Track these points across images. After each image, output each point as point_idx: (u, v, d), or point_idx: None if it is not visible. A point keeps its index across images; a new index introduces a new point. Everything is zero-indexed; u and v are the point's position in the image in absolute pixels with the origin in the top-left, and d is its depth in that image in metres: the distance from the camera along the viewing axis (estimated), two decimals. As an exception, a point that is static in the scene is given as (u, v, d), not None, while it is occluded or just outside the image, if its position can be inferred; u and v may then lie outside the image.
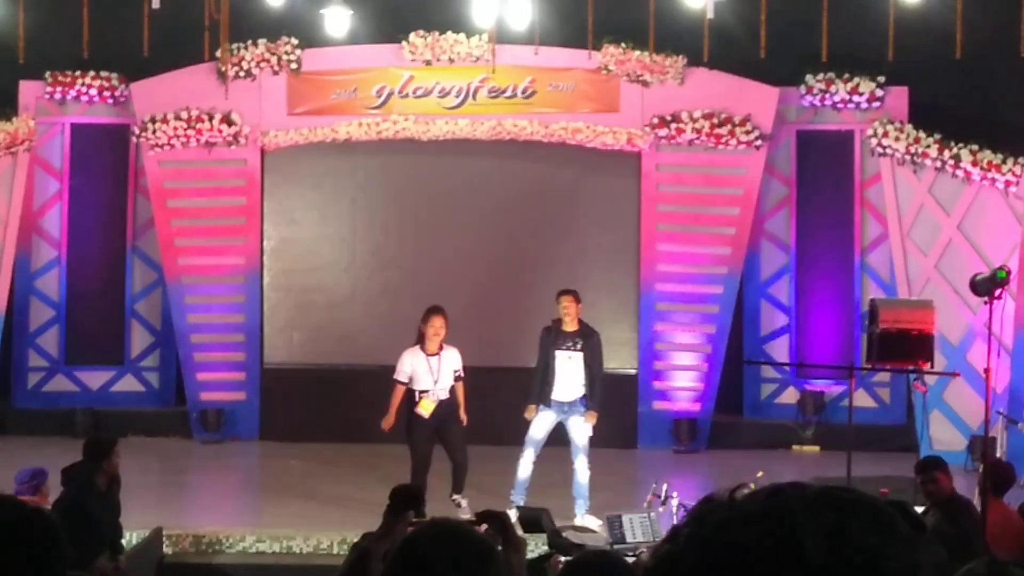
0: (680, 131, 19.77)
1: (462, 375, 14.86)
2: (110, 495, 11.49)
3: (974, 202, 18.92)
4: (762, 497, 1.67)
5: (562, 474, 14.92)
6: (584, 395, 14.69)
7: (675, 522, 13.18)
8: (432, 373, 14.62)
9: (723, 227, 19.92)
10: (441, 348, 14.73)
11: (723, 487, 1.70)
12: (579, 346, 14.67)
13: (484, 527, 3.93)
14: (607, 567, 5.16)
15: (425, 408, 14.56)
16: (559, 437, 14.94)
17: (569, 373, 14.64)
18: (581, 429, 14.67)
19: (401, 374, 14.73)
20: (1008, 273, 12.32)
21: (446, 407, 14.67)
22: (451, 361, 14.76)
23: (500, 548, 3.76)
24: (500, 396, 17.49)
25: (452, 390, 14.75)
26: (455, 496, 14.60)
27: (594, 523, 14.28)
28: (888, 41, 17.49)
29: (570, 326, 14.73)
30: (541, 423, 14.74)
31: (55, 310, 20.99)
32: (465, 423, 14.84)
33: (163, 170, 20.27)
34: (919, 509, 10.61)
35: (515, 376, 16.49)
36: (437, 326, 14.68)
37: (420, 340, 14.79)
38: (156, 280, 20.97)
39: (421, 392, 14.62)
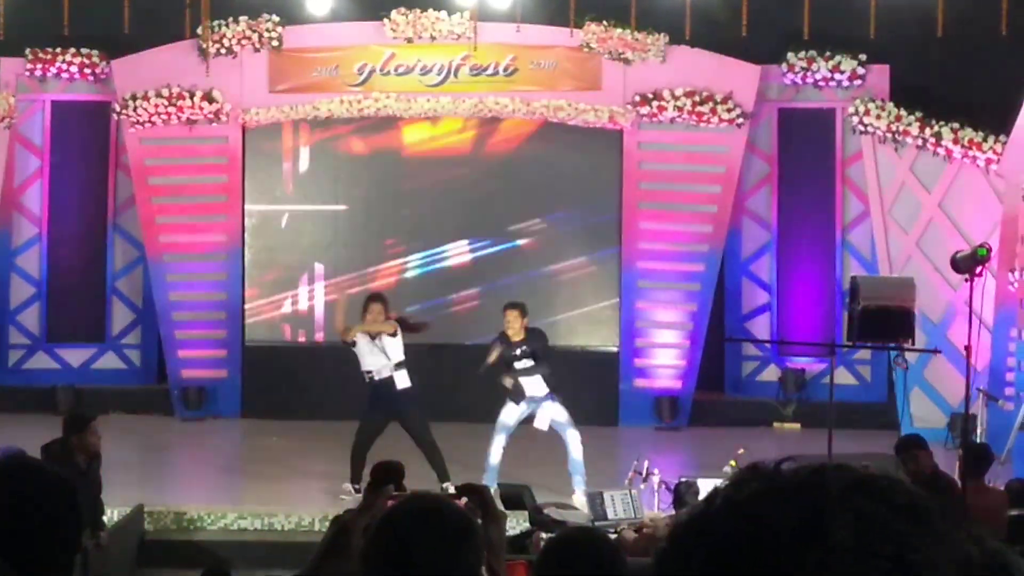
0: (662, 109, 19.77)
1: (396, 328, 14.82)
2: (90, 472, 11.47)
3: (955, 180, 18.97)
4: (804, 473, 1.67)
5: (547, 451, 14.94)
6: (550, 391, 14.67)
7: (656, 499, 13.24)
8: (382, 355, 14.65)
9: (705, 205, 19.94)
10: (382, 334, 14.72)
11: (770, 459, 1.70)
12: (527, 352, 14.66)
13: (464, 500, 3.93)
14: (590, 544, 5.16)
15: (350, 334, 14.78)
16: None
17: (530, 378, 14.65)
18: (556, 411, 14.63)
19: (348, 334, 14.80)
20: (989, 251, 12.35)
21: (398, 393, 14.59)
22: (397, 343, 14.71)
23: (480, 521, 3.77)
24: (472, 374, 17.47)
25: (393, 380, 14.69)
26: (444, 484, 14.54)
27: (584, 499, 14.28)
28: (870, 19, 17.51)
29: (516, 336, 14.72)
30: (512, 411, 14.73)
31: (36, 287, 20.96)
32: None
33: (144, 147, 20.22)
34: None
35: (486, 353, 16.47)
36: (375, 312, 14.70)
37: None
38: (137, 257, 20.94)
39: (365, 372, 14.66)
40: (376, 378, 14.62)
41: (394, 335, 14.67)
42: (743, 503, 1.64)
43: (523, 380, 14.61)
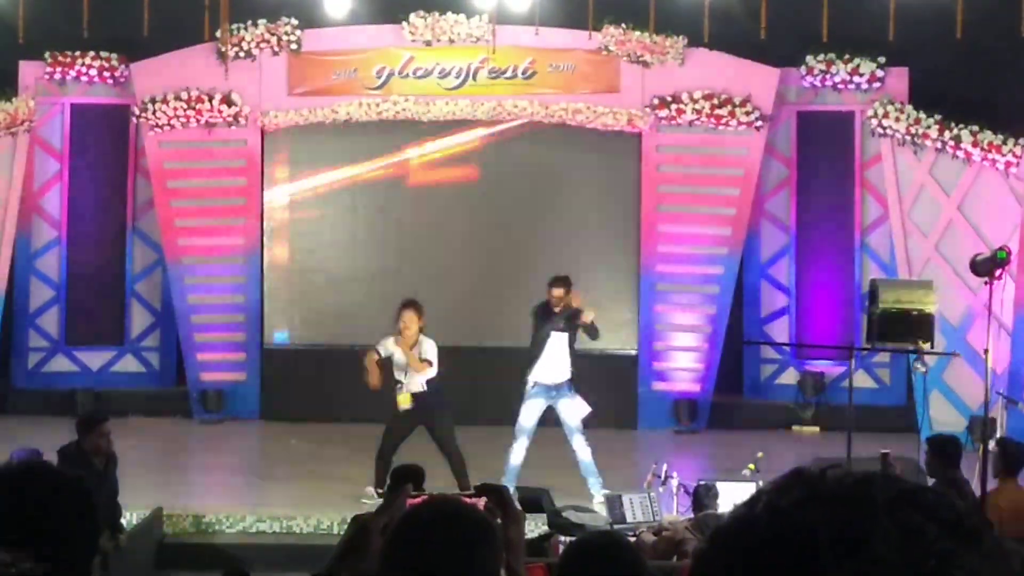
0: (680, 112, 19.76)
1: (432, 362, 14.59)
2: (106, 473, 11.49)
3: (974, 183, 18.93)
4: (850, 481, 1.65)
5: (565, 455, 14.93)
6: (570, 379, 14.62)
7: (675, 502, 13.22)
8: (405, 367, 14.56)
9: (723, 208, 19.92)
10: (416, 342, 14.60)
11: (816, 463, 1.68)
12: (562, 326, 14.60)
13: (483, 501, 3.93)
14: (611, 547, 5.17)
15: (403, 401, 14.46)
16: (552, 418, 14.88)
17: (555, 353, 14.56)
18: (572, 410, 14.61)
19: (379, 350, 14.64)
20: (1008, 254, 12.34)
21: (430, 399, 14.53)
22: (426, 353, 14.61)
23: (499, 522, 3.77)
24: (497, 376, 17.47)
25: (429, 383, 14.60)
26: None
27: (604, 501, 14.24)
28: (889, 22, 17.46)
29: (557, 307, 14.64)
30: (531, 411, 14.68)
31: (55, 290, 21.00)
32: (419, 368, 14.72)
33: (163, 150, 20.26)
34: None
35: (512, 356, 16.45)
36: (407, 319, 14.57)
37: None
38: (156, 260, 20.98)
39: (396, 383, 14.57)
40: (406, 391, 14.54)
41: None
42: (786, 509, 1.62)
43: (549, 359, 14.54)
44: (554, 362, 14.58)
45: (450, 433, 14.50)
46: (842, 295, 20.38)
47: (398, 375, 14.57)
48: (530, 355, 14.71)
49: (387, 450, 14.32)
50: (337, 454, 17.48)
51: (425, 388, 14.50)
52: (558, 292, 14.55)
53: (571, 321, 14.59)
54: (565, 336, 14.60)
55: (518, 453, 14.62)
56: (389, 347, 14.64)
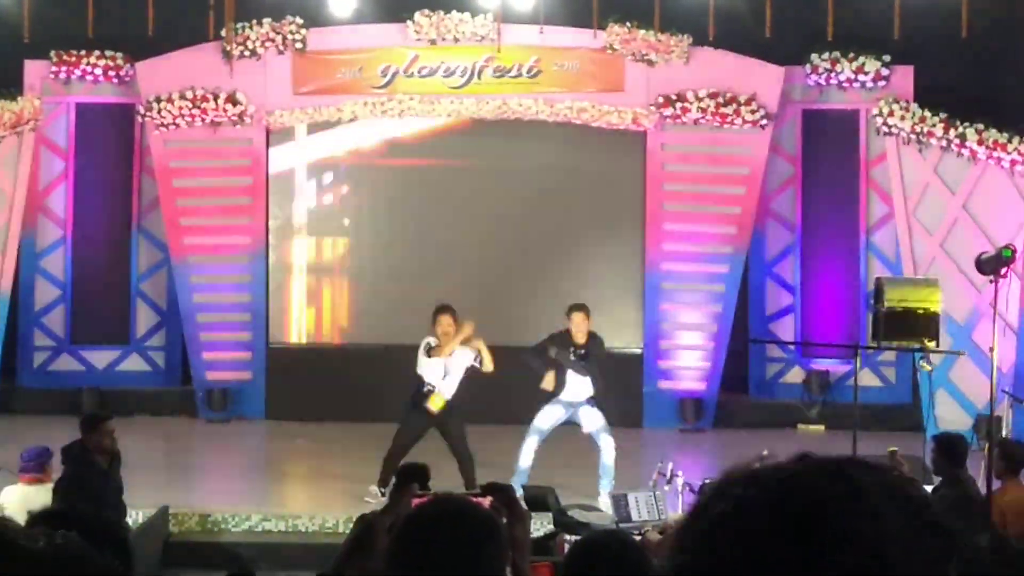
0: (685, 110, 19.76)
1: (477, 366, 14.66)
2: (111, 472, 11.49)
3: (980, 181, 18.92)
4: (786, 474, 1.68)
5: (572, 454, 14.92)
6: (591, 396, 14.69)
7: (680, 501, 13.21)
8: (439, 369, 14.52)
9: (729, 206, 19.91)
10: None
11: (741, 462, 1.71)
12: (583, 355, 14.65)
13: (489, 500, 3.93)
14: (616, 546, 5.17)
15: (434, 404, 14.41)
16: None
17: (579, 380, 14.66)
18: (591, 417, 14.65)
19: (420, 365, 14.56)
20: (1014, 252, 12.31)
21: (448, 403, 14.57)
22: (463, 359, 14.59)
23: (504, 521, 3.78)
24: (507, 375, 17.46)
25: (461, 384, 14.58)
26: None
27: (609, 501, 14.25)
28: (894, 20, 17.44)
29: (579, 338, 14.68)
30: (549, 415, 14.71)
31: (61, 289, 21.02)
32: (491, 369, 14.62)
33: (168, 149, 20.26)
34: (928, 487, 10.64)
35: (516, 356, 16.45)
36: (445, 324, 14.50)
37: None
38: (161, 260, 20.98)
39: (428, 386, 14.50)
40: (440, 392, 14.50)
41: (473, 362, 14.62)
42: (731, 508, 1.64)
43: (572, 382, 14.61)
44: (578, 386, 14.66)
45: (462, 436, 14.50)
46: (847, 293, 20.38)
47: (431, 378, 14.47)
48: (523, 359, 14.77)
49: (397, 452, 14.27)
50: (343, 453, 17.48)
51: (454, 393, 14.52)
52: (579, 318, 14.64)
53: (591, 349, 14.67)
54: (583, 363, 14.66)
55: (528, 454, 14.63)
56: (424, 359, 14.54)
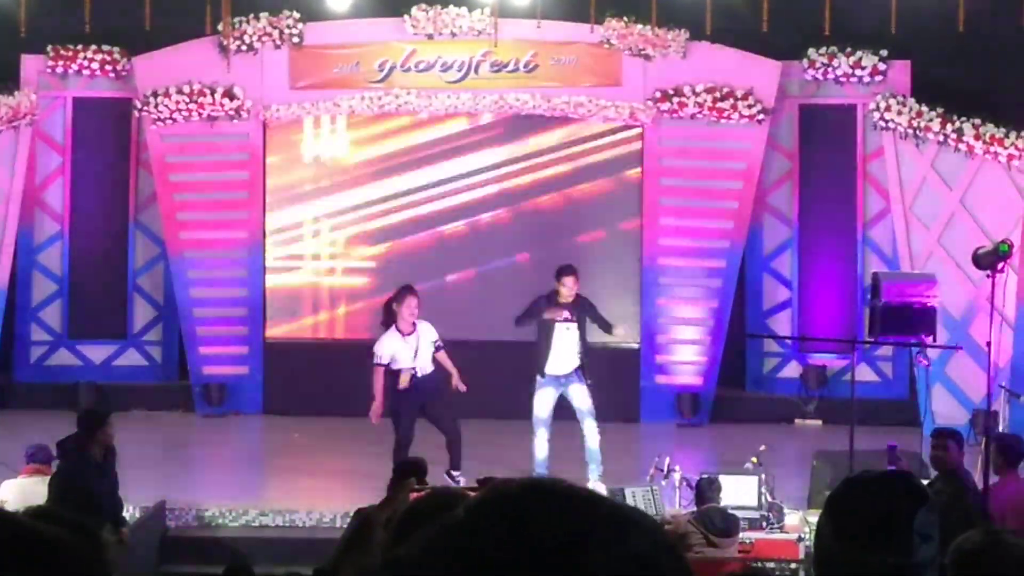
0: (682, 105, 19.75)
1: (442, 344, 14.93)
2: (106, 466, 11.50)
3: (976, 176, 18.92)
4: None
5: (564, 446, 14.93)
6: (580, 367, 14.71)
7: (677, 495, 13.22)
8: (410, 350, 14.68)
9: (726, 201, 19.91)
10: (414, 326, 14.75)
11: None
12: (575, 316, 14.71)
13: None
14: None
15: (402, 380, 14.61)
16: (560, 410, 14.92)
17: (566, 345, 14.65)
18: (582, 395, 14.70)
19: (382, 358, 14.74)
20: (1010, 246, 12.33)
21: (431, 382, 14.71)
22: (427, 335, 14.81)
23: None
24: (500, 370, 17.49)
25: (436, 362, 14.80)
26: (452, 472, 14.56)
27: (603, 490, 14.27)
28: (891, 15, 17.44)
29: (567, 299, 14.73)
30: (544, 401, 14.75)
31: (57, 284, 21.00)
32: (466, 389, 14.84)
33: (165, 144, 20.25)
34: (924, 481, 10.63)
35: (514, 349, 16.46)
36: (413, 306, 14.71)
37: (391, 320, 14.79)
38: (158, 254, 20.97)
39: (402, 370, 14.66)
40: (419, 375, 14.68)
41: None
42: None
43: (558, 351, 14.64)
44: (562, 353, 14.67)
45: (450, 411, 14.62)
46: (844, 288, 20.37)
47: (404, 363, 14.68)
48: (517, 321, 14.85)
49: (403, 446, 14.39)
50: (339, 448, 17.49)
51: (431, 370, 14.78)
52: (569, 281, 14.68)
53: (581, 311, 14.72)
54: (575, 327, 14.67)
55: (541, 446, 14.70)
56: (389, 344, 14.73)
